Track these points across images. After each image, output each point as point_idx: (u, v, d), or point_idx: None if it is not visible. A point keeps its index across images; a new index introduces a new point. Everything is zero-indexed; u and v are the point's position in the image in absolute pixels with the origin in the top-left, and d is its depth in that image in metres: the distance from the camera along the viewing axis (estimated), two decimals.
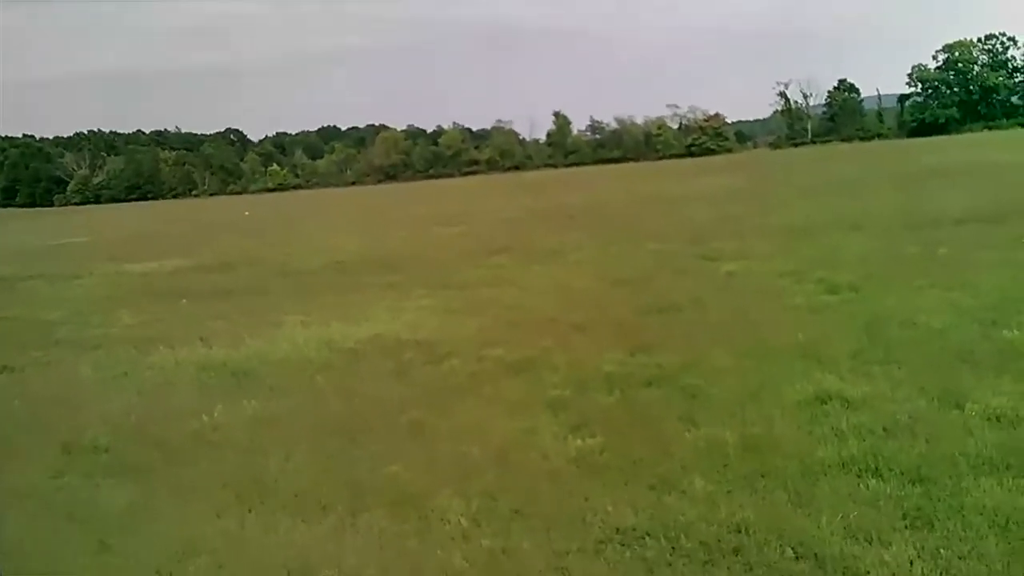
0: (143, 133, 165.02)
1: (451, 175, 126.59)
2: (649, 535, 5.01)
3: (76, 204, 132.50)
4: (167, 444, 7.58)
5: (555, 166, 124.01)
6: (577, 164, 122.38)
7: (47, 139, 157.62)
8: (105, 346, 12.45)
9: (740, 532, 4.92)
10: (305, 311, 13.67)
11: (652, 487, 5.64)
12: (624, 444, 6.40)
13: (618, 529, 5.13)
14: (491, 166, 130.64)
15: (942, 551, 4.48)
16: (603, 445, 6.44)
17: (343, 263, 20.76)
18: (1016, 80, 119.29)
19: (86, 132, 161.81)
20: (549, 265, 16.97)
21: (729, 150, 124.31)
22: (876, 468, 5.50)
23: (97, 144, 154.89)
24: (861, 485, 5.32)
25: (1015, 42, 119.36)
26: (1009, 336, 8.11)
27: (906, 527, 4.79)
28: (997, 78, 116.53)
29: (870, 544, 4.62)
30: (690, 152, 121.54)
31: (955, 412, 6.36)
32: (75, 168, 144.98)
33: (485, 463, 6.32)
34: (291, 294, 16.10)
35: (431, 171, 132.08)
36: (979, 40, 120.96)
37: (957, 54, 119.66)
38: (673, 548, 4.85)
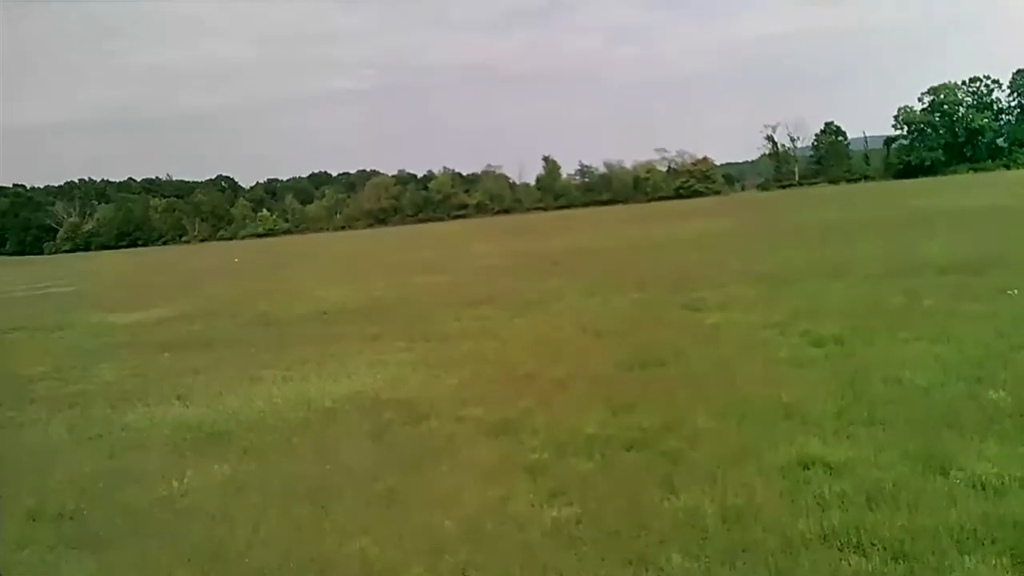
0: (134, 181, 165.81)
1: (441, 219, 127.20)
2: None
3: (66, 252, 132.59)
4: (134, 512, 7.39)
5: (545, 209, 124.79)
6: (566, 207, 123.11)
7: (37, 188, 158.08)
8: (81, 404, 12.23)
9: None
10: (285, 365, 13.49)
11: (628, 562, 5.44)
12: (601, 514, 6.21)
13: None
14: (481, 210, 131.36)
15: None
16: (580, 515, 6.24)
17: (327, 313, 20.56)
18: (1001, 122, 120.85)
19: (77, 181, 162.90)
20: (531, 316, 16.81)
21: (717, 192, 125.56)
22: (858, 543, 5.32)
23: (88, 192, 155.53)
24: (843, 561, 5.13)
25: (999, 84, 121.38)
26: (994, 396, 7.96)
27: None
28: (982, 120, 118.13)
29: None
30: (679, 194, 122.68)
31: (939, 479, 6.19)
32: (65, 216, 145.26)
33: (458, 535, 6.12)
34: (273, 346, 15.90)
35: (421, 215, 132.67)
36: (964, 83, 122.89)
37: (942, 96, 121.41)
38: None
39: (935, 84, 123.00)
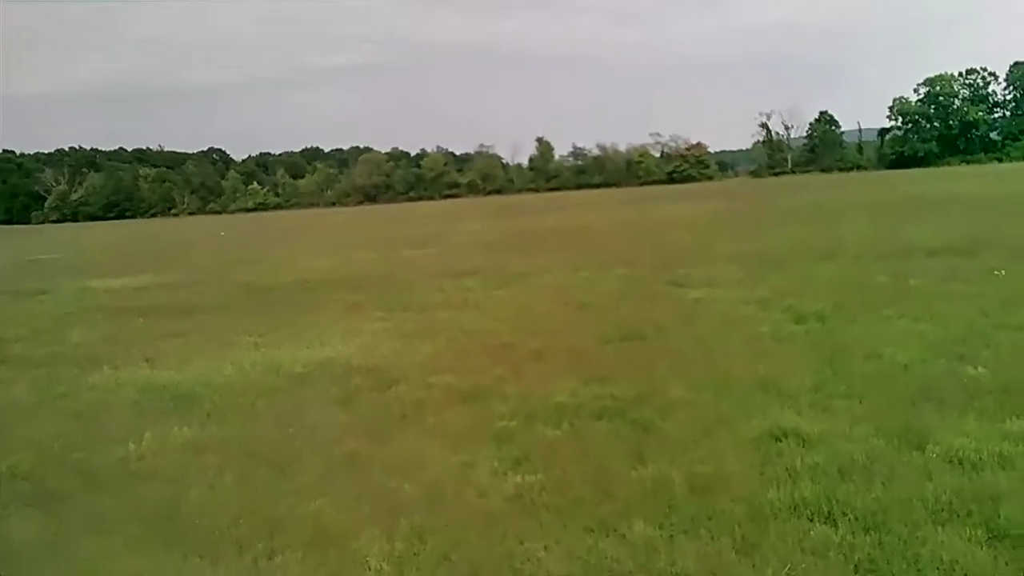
0: (125, 150, 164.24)
1: (432, 197, 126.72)
2: None
3: (54, 221, 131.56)
4: (90, 472, 7.17)
5: (537, 190, 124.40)
6: (559, 189, 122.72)
7: (27, 154, 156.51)
8: (49, 365, 11.99)
9: None
10: (260, 332, 13.26)
11: (590, 530, 5.24)
12: (566, 482, 6.01)
13: None
14: (472, 189, 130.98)
15: None
16: (544, 483, 6.03)
17: (308, 282, 20.36)
18: (996, 115, 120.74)
19: (67, 148, 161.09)
20: (514, 289, 16.60)
21: (710, 178, 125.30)
22: (829, 513, 5.13)
23: (78, 160, 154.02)
24: (812, 532, 4.94)
25: (996, 77, 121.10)
26: (974, 373, 7.81)
27: None
28: (977, 113, 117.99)
29: None
30: (671, 179, 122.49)
31: (915, 453, 6.01)
32: (54, 184, 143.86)
33: (417, 500, 5.91)
34: (250, 313, 15.67)
35: (412, 193, 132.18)
36: (960, 74, 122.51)
37: (938, 88, 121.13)
38: None
39: (931, 75, 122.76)
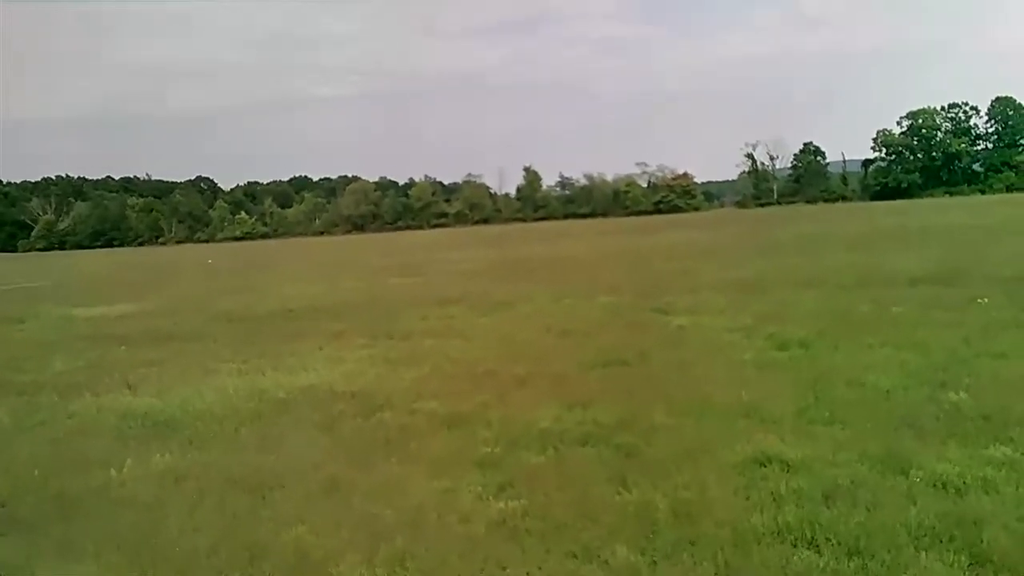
0: (112, 179, 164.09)
1: (420, 227, 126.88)
2: None
3: (40, 250, 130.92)
4: (67, 499, 7.06)
5: (524, 220, 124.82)
6: (546, 219, 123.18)
7: (13, 183, 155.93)
8: (29, 393, 11.84)
9: None
10: (243, 359, 13.17)
11: (573, 555, 5.20)
12: (549, 507, 5.97)
13: None
14: (460, 219, 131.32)
15: None
16: (527, 508, 5.99)
17: (292, 311, 20.24)
18: (978, 148, 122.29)
19: (54, 177, 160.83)
20: (498, 317, 16.59)
21: (696, 208, 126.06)
22: (812, 538, 5.12)
23: (65, 190, 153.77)
24: (795, 557, 4.92)
25: (977, 111, 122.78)
26: (956, 399, 7.84)
27: None
28: (960, 145, 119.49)
29: None
30: (658, 209, 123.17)
31: (898, 478, 6.00)
32: (40, 213, 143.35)
33: (399, 525, 5.85)
34: (233, 341, 15.56)
35: (400, 222, 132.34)
36: (943, 108, 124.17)
37: (921, 120, 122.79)
38: None
39: (914, 109, 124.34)
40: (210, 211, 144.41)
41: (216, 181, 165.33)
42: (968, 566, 4.68)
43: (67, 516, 6.69)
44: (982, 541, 4.90)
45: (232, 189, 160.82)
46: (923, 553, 4.82)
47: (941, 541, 4.97)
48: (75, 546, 6.03)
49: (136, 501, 6.91)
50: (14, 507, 7.02)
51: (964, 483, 5.80)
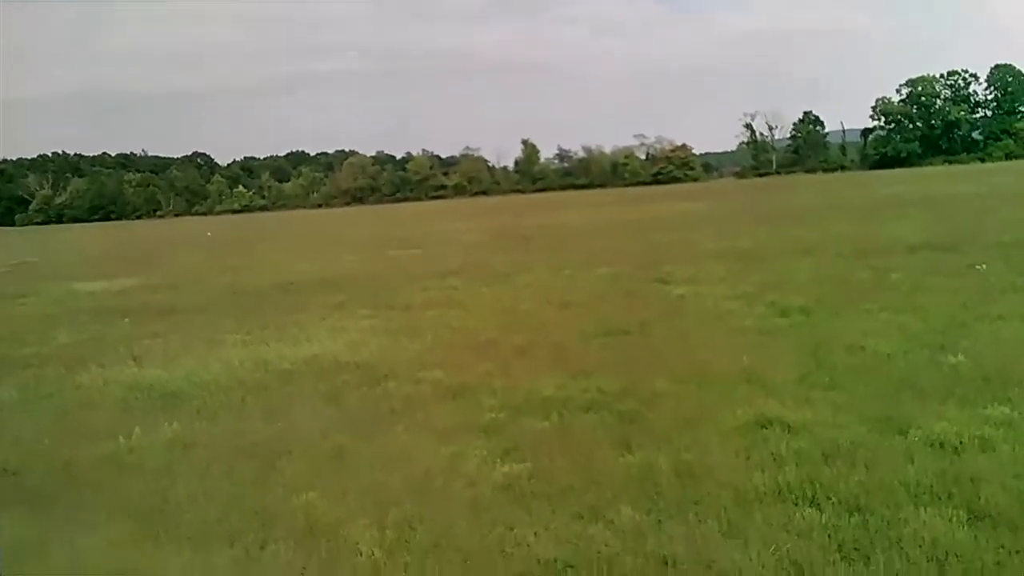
0: (108, 156, 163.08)
1: (418, 199, 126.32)
2: (571, 568, 4.68)
3: (38, 224, 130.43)
4: (77, 468, 7.15)
5: (523, 192, 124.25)
6: (544, 191, 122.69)
7: (10, 160, 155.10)
8: (36, 366, 11.93)
9: (666, 565, 4.60)
10: (246, 331, 13.26)
11: (579, 516, 5.30)
12: (554, 471, 6.07)
13: (539, 561, 4.78)
14: (458, 191, 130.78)
15: None
16: (532, 471, 6.10)
17: (293, 283, 20.32)
18: (977, 116, 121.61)
19: (50, 154, 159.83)
20: (498, 288, 16.67)
21: (695, 179, 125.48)
22: (813, 496, 5.22)
23: (61, 166, 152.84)
24: (796, 515, 5.02)
25: (976, 78, 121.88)
26: (955, 361, 7.94)
27: (841, 559, 4.49)
28: (959, 113, 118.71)
29: None
30: (657, 180, 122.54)
31: (897, 438, 6.11)
32: (38, 188, 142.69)
33: (407, 491, 5.95)
34: (235, 313, 15.63)
35: (398, 195, 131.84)
36: (942, 76, 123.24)
37: (920, 88, 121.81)
38: None
39: (913, 77, 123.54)
40: (207, 186, 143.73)
41: (213, 157, 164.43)
42: (967, 521, 4.77)
43: (77, 485, 6.78)
44: (980, 498, 5.00)
45: (229, 164, 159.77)
46: (922, 509, 4.92)
47: (939, 498, 5.07)
48: (87, 513, 6.11)
49: (145, 469, 7.01)
50: (25, 476, 7.12)
51: (962, 442, 5.90)
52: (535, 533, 5.11)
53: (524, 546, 4.97)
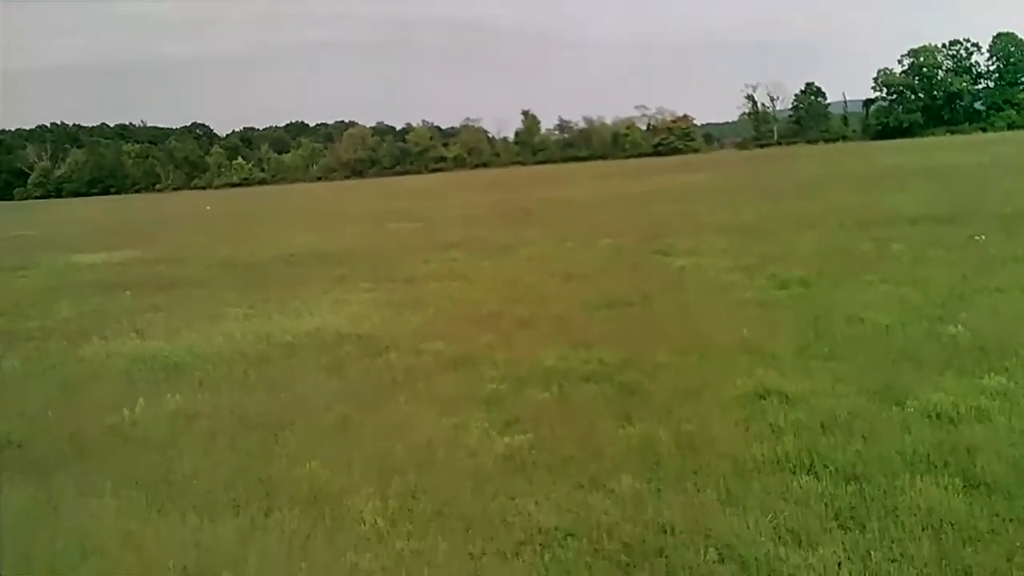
0: (107, 126, 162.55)
1: (418, 171, 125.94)
2: (571, 536, 4.75)
3: (37, 198, 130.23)
4: (82, 439, 7.22)
5: (523, 164, 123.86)
6: (545, 162, 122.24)
7: (8, 131, 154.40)
8: (38, 339, 11.99)
9: (665, 533, 4.68)
10: (248, 304, 13.31)
11: (579, 486, 5.37)
12: (555, 441, 6.14)
13: (540, 529, 4.86)
14: (459, 163, 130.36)
15: (872, 553, 4.25)
16: (533, 442, 6.17)
17: (294, 256, 20.37)
18: (980, 86, 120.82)
19: (48, 125, 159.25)
20: (500, 260, 16.71)
21: (696, 150, 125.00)
22: (810, 466, 5.30)
23: (60, 137, 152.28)
24: (794, 483, 5.10)
25: (979, 48, 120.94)
26: (954, 332, 7.99)
27: (837, 527, 4.57)
28: (961, 83, 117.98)
29: (798, 546, 4.40)
30: (657, 152, 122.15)
31: (895, 409, 6.17)
32: (36, 160, 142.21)
33: (409, 461, 6.02)
34: (236, 287, 15.67)
35: (398, 167, 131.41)
36: (944, 45, 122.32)
37: (922, 59, 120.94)
38: (594, 550, 4.59)
39: (915, 47, 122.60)
40: (206, 157, 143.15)
41: (211, 127, 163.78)
42: (962, 489, 4.84)
43: (83, 455, 6.85)
44: (975, 466, 5.06)
45: (228, 135, 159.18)
46: (918, 478, 4.99)
47: (936, 467, 5.13)
48: (93, 483, 6.18)
49: (150, 440, 7.08)
50: (31, 448, 7.18)
51: (959, 412, 5.96)
52: (536, 502, 5.19)
53: (525, 515, 5.04)
